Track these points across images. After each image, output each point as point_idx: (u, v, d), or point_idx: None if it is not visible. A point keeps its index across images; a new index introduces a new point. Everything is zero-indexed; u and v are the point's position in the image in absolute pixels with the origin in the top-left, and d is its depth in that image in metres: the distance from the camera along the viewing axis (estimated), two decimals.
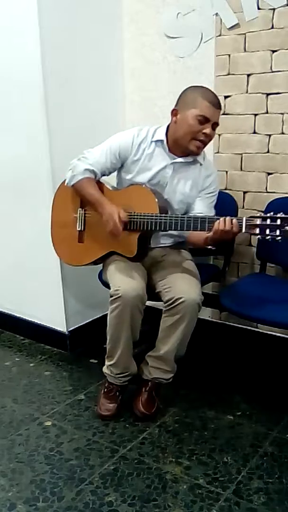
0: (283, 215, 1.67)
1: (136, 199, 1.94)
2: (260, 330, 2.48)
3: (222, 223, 1.71)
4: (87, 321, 2.66)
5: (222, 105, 2.33)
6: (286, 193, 2.28)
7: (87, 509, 1.56)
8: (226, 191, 2.43)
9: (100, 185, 2.04)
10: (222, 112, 2.34)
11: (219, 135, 2.40)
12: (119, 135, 2.00)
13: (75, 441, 1.90)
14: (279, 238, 1.67)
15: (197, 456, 1.79)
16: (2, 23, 2.32)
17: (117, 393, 2.05)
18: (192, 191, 2.01)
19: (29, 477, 1.71)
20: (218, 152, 2.43)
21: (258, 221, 1.69)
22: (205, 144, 1.90)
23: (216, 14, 2.26)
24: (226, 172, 2.43)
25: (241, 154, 2.37)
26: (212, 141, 2.40)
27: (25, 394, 2.24)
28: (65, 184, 2.07)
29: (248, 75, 2.26)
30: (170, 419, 2.02)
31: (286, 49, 2.14)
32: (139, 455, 1.81)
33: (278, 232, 1.66)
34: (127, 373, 2.03)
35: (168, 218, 1.86)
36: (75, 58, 2.37)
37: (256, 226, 1.69)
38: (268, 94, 2.23)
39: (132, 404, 2.04)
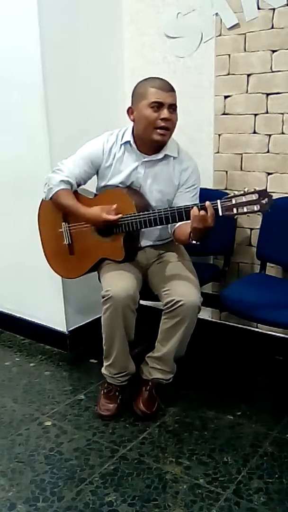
0: (258, 189, 1.63)
1: (113, 202, 1.93)
2: (260, 330, 2.48)
3: (196, 209, 1.68)
4: (87, 321, 2.66)
5: (222, 105, 2.35)
6: (286, 193, 2.28)
7: (87, 509, 1.56)
8: (226, 191, 2.42)
9: (77, 196, 2.03)
10: (222, 112, 2.36)
11: (219, 135, 2.40)
12: (90, 144, 2.01)
13: (75, 441, 1.90)
14: (258, 213, 1.63)
15: (197, 456, 1.79)
16: (2, 23, 2.31)
17: (117, 393, 2.06)
18: (168, 187, 2.00)
19: (29, 477, 1.71)
20: (218, 152, 2.43)
21: (234, 201, 1.64)
22: (168, 129, 1.86)
23: (216, 14, 2.26)
24: (226, 172, 2.43)
25: (241, 154, 2.37)
26: (212, 141, 2.42)
27: (25, 394, 2.24)
28: (44, 198, 2.08)
29: (248, 75, 2.26)
30: (170, 419, 2.02)
31: (286, 49, 2.14)
32: (139, 455, 1.81)
33: (255, 208, 1.62)
34: (125, 373, 2.03)
35: (147, 215, 1.85)
36: (75, 58, 2.37)
37: (233, 206, 1.64)
38: (268, 94, 2.23)
39: (132, 403, 2.04)
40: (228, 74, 2.31)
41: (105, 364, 2.04)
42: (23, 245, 2.63)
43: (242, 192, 1.64)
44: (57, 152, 2.30)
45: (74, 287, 2.55)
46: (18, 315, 2.82)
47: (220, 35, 2.28)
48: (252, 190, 1.63)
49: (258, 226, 2.32)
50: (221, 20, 2.26)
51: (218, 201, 1.67)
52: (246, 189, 1.64)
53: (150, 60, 2.53)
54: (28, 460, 1.80)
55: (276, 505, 1.56)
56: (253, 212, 1.63)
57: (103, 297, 1.88)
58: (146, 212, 1.86)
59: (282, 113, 2.21)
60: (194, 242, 1.78)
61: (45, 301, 2.62)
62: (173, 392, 2.15)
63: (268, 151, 2.29)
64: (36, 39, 2.18)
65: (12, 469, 1.76)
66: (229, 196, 1.66)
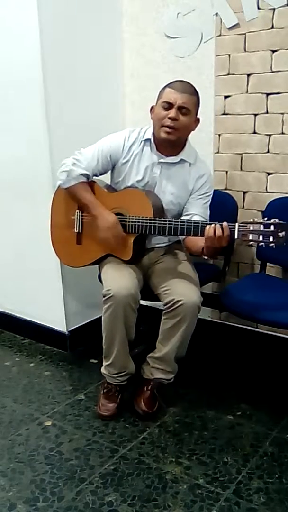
0: (277, 221, 1.66)
1: (131, 202, 1.95)
2: (260, 330, 2.48)
3: (212, 229, 1.70)
4: (87, 321, 2.66)
5: (222, 105, 2.35)
6: (286, 193, 2.28)
7: (87, 509, 1.56)
8: (226, 191, 2.43)
9: (93, 186, 2.05)
10: (222, 112, 2.36)
11: (219, 135, 2.40)
12: (111, 137, 2.02)
13: (75, 441, 1.90)
14: (272, 244, 1.66)
15: (197, 456, 1.79)
16: (2, 23, 2.31)
17: (116, 393, 2.05)
18: (181, 191, 2.01)
19: (29, 477, 1.71)
20: (218, 152, 2.43)
21: (251, 227, 1.67)
22: (173, 128, 1.87)
23: (216, 14, 2.26)
24: (226, 172, 2.43)
25: (241, 154, 2.37)
26: (212, 141, 2.42)
27: (25, 394, 2.24)
28: (59, 185, 2.08)
29: (248, 75, 2.26)
30: (170, 419, 2.02)
31: (286, 49, 2.14)
32: (139, 455, 1.81)
33: (271, 239, 1.65)
34: (124, 373, 2.03)
35: (162, 222, 1.86)
36: (75, 58, 2.37)
37: (249, 232, 1.68)
38: (268, 94, 2.23)
39: (133, 402, 2.04)
40: (228, 74, 2.31)
41: (104, 363, 2.04)
42: (23, 245, 2.63)
43: (261, 221, 1.67)
44: (57, 152, 2.30)
45: (74, 287, 2.55)
46: (18, 315, 2.82)
47: (220, 35, 2.29)
48: (272, 221, 1.66)
49: None
50: (221, 20, 2.26)
51: (236, 224, 1.70)
52: (265, 219, 1.67)
53: (150, 60, 2.53)
54: (28, 460, 1.80)
55: (276, 505, 1.56)
56: (268, 242, 1.66)
57: (104, 296, 1.89)
58: (162, 220, 1.88)
59: (282, 113, 2.21)
60: (206, 257, 1.82)
61: (45, 301, 2.62)
62: (173, 392, 2.15)
63: (268, 151, 2.29)
64: (36, 39, 2.18)
65: (12, 469, 1.76)
66: (247, 221, 1.69)
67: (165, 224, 1.86)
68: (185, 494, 1.61)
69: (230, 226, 1.70)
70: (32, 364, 2.52)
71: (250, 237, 1.68)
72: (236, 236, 1.69)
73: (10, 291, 2.82)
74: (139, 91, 2.62)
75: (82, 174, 1.99)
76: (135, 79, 2.62)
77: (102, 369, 2.06)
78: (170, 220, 1.87)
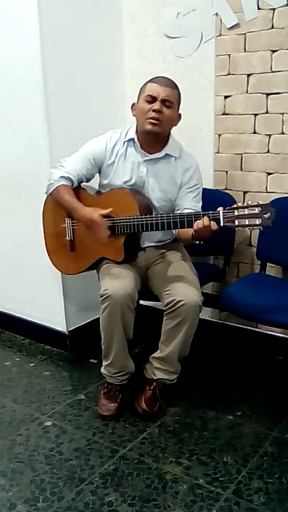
0: (261, 203, 1.65)
1: (116, 203, 1.94)
2: (260, 330, 2.47)
3: (201, 222, 1.71)
4: (87, 321, 2.66)
5: (222, 105, 2.35)
6: (286, 193, 2.28)
7: (87, 509, 1.56)
8: (226, 191, 2.42)
9: (81, 192, 2.05)
10: (222, 112, 2.36)
11: (219, 135, 2.40)
12: (93, 141, 2.04)
13: (75, 441, 1.90)
14: (259, 227, 1.65)
15: (197, 456, 1.79)
16: (2, 23, 2.31)
17: (117, 392, 2.06)
18: (170, 186, 2.01)
19: (29, 477, 1.71)
20: (218, 152, 2.43)
21: (236, 212, 1.67)
22: (158, 120, 1.88)
23: (216, 14, 2.26)
24: (226, 172, 2.43)
25: (241, 154, 2.36)
26: (212, 141, 2.41)
27: (25, 394, 2.24)
28: (45, 193, 2.09)
29: (248, 75, 2.26)
30: (170, 419, 2.02)
31: (286, 49, 2.14)
32: (139, 455, 1.81)
33: (257, 221, 1.64)
34: (124, 372, 2.03)
35: (149, 219, 1.86)
36: (75, 59, 2.37)
37: (235, 218, 1.67)
38: (268, 94, 2.23)
39: (134, 402, 2.04)
40: (228, 74, 2.31)
41: (104, 363, 2.04)
42: (23, 245, 2.63)
43: (245, 204, 1.66)
44: (57, 152, 2.30)
45: (74, 287, 2.55)
46: (18, 315, 2.82)
47: (220, 35, 2.28)
48: (256, 203, 1.65)
49: None
50: (221, 20, 2.26)
51: (220, 211, 1.69)
52: (249, 202, 1.66)
53: (150, 60, 2.53)
54: (28, 460, 1.80)
55: (276, 505, 1.56)
56: (254, 225, 1.65)
57: (101, 296, 1.89)
58: (148, 216, 1.87)
59: (282, 113, 2.21)
60: (197, 242, 1.82)
61: (45, 301, 2.62)
62: (173, 392, 2.15)
63: (268, 151, 2.29)
64: (37, 39, 2.18)
65: (12, 469, 1.76)
66: (231, 207, 1.68)
67: (151, 220, 1.85)
68: (185, 494, 1.61)
69: (214, 214, 1.69)
70: (32, 364, 2.52)
71: (237, 223, 1.67)
72: (221, 224, 1.69)
73: (10, 291, 2.82)
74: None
75: (62, 177, 1.99)
76: (135, 79, 2.61)
77: (102, 369, 2.06)
78: (156, 216, 1.86)
